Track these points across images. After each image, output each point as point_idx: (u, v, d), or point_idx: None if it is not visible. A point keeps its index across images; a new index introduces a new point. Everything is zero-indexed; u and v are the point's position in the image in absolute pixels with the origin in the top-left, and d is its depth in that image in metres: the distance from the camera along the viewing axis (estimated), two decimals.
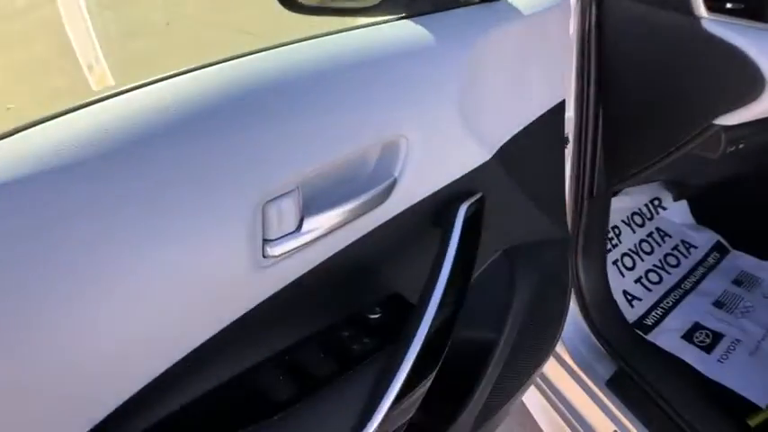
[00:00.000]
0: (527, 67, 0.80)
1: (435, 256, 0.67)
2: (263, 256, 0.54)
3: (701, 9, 0.99)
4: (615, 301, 1.38)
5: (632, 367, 1.21)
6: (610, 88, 1.15)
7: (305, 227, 0.56)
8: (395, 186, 0.64)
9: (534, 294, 0.88)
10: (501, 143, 0.78)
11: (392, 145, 0.64)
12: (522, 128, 0.80)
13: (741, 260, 1.72)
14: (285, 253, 0.55)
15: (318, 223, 0.58)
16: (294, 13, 0.66)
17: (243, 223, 0.52)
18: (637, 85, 1.12)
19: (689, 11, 1.01)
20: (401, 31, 0.66)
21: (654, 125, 1.12)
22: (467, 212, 0.70)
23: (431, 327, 0.63)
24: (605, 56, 1.13)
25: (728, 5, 1.02)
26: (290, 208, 0.55)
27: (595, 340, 1.27)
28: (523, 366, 0.93)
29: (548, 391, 1.36)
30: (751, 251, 1.73)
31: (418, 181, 0.67)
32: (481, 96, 0.72)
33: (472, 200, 0.72)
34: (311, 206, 0.57)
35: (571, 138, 1.17)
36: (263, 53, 0.57)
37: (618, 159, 1.20)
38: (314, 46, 0.60)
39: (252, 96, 0.53)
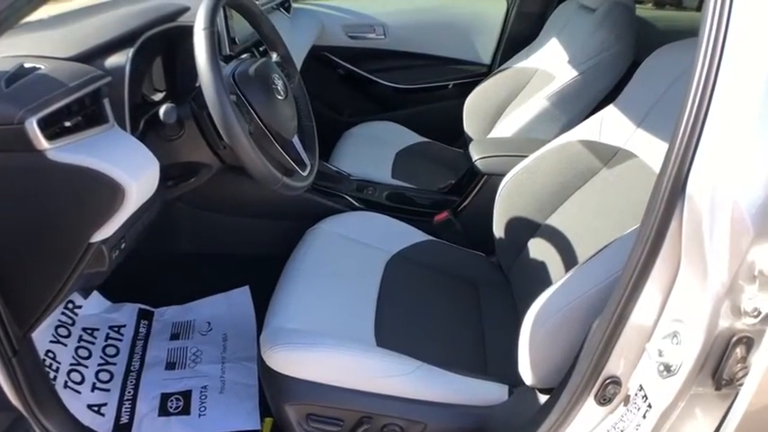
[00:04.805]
0: None
1: None
2: None
3: (42, 143, 0.97)
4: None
5: None
6: None
7: None
8: None
9: None
10: None
11: None
12: None
13: (167, 314, 1.86)
14: None
15: None
16: None
17: None
18: (6, 234, 1.03)
19: (31, 147, 0.97)
20: None
21: (40, 266, 1.07)
22: None
23: None
24: None
25: (67, 124, 1.04)
26: None
27: None
28: None
29: None
30: (168, 302, 1.88)
31: None
32: None
33: None
34: None
35: None
36: None
37: (24, 306, 1.10)
38: None
39: None
